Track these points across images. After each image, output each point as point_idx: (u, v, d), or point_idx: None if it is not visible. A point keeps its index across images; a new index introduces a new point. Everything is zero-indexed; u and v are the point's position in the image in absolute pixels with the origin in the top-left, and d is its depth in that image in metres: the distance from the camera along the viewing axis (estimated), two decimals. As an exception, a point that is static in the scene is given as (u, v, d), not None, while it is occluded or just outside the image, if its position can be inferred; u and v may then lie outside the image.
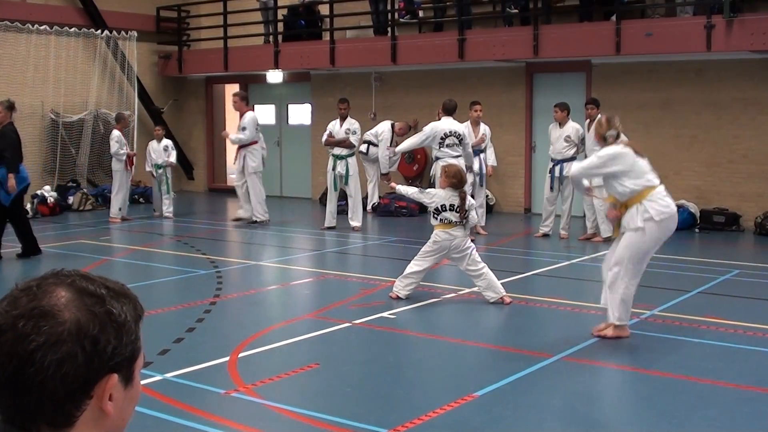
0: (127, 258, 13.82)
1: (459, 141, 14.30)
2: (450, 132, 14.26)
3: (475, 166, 15.33)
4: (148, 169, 18.86)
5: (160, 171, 18.42)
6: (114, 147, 17.91)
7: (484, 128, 15.85)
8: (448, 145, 14.23)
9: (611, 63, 17.66)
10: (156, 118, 23.19)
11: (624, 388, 7.04)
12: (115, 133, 18.22)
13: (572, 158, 14.91)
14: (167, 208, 18.44)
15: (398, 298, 10.03)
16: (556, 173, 15.20)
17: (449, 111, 14.51)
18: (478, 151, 15.60)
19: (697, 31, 15.61)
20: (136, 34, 22.45)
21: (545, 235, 15.37)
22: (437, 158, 14.35)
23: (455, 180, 9.94)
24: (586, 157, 14.91)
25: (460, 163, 13.77)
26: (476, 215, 10.36)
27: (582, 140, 14.94)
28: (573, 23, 17.82)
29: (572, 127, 15.04)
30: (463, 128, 14.58)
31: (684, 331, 8.69)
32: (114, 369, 1.61)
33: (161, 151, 18.44)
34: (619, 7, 16.90)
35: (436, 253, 9.99)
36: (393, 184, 11.01)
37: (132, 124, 20.15)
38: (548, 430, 6.14)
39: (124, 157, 17.86)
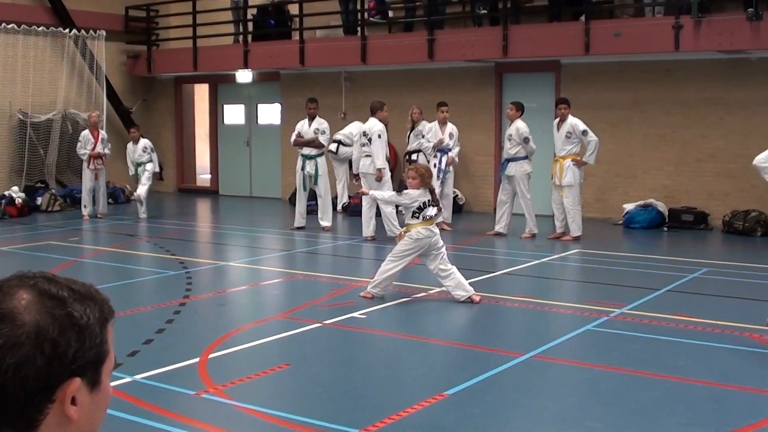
0: (95, 259, 13.73)
1: (368, 141, 15.07)
2: (362, 132, 15.27)
3: (443, 164, 16.08)
4: (131, 173, 18.83)
5: (140, 169, 18.40)
6: (78, 146, 18.12)
7: (451, 128, 16.19)
8: (362, 145, 15.16)
9: (580, 63, 17.73)
10: (125, 118, 23.06)
11: (593, 385, 7.06)
12: (83, 133, 18.27)
13: (516, 158, 15.11)
14: (142, 209, 18.37)
15: (373, 297, 10.02)
16: (502, 172, 15.49)
17: (371, 111, 15.35)
18: (444, 150, 16.17)
19: (665, 31, 15.71)
20: (104, 33, 22.32)
21: (498, 234, 15.41)
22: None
23: (429, 179, 10.08)
24: (528, 156, 15.17)
25: (369, 162, 14.92)
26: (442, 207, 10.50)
27: (525, 140, 15.00)
28: (542, 23, 17.89)
29: (514, 127, 15.16)
30: (377, 128, 15.06)
31: (653, 328, 8.74)
32: (76, 373, 1.58)
33: (140, 152, 18.39)
34: (588, 7, 16.97)
35: (415, 251, 9.98)
36: (364, 190, 11.02)
37: (101, 124, 20.02)
38: (519, 429, 6.15)
39: (86, 157, 17.91)
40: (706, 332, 8.59)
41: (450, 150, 16.22)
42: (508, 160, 15.25)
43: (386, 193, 11.13)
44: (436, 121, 16.28)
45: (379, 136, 14.82)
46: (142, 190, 18.30)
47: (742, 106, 16.22)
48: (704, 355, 7.88)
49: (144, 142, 18.59)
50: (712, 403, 6.54)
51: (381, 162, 14.81)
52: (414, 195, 9.99)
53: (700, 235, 15.70)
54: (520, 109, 15.17)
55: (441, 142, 16.07)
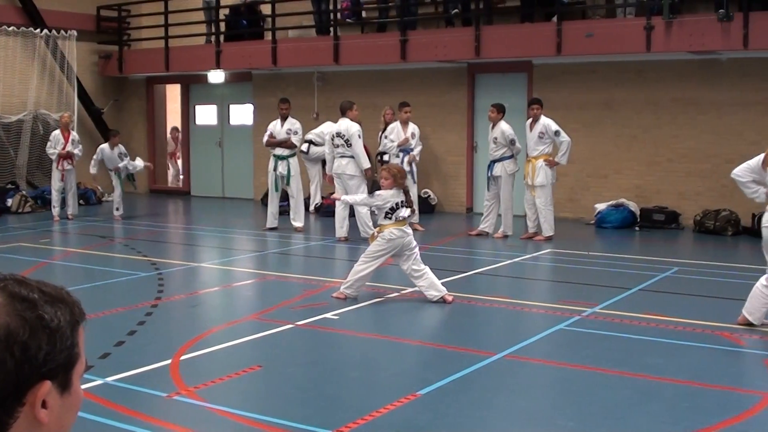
0: (67, 261, 13.64)
1: (344, 142, 14.84)
2: (336, 134, 14.98)
3: (404, 164, 15.90)
4: (92, 171, 18.60)
5: (120, 171, 18.29)
6: (48, 145, 17.99)
7: (413, 128, 16.24)
8: (337, 146, 14.92)
9: (552, 63, 17.79)
10: (96, 119, 22.92)
11: (566, 384, 7.08)
12: (54, 133, 18.12)
13: (502, 159, 15.08)
14: (119, 210, 18.26)
15: (346, 297, 10.00)
16: (488, 173, 15.38)
17: (341, 111, 15.15)
18: (407, 150, 16.24)
19: (637, 32, 15.80)
20: (75, 33, 22.19)
21: (481, 234, 15.42)
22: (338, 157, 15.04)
23: (402, 179, 10.06)
24: (513, 156, 15.14)
25: (350, 163, 14.72)
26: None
27: (511, 141, 15.00)
28: (514, 24, 17.94)
29: (499, 130, 15.13)
30: (354, 128, 14.93)
31: (625, 327, 8.78)
32: (47, 376, 1.56)
33: (115, 157, 18.20)
34: (560, 8, 17.04)
35: (388, 251, 9.96)
36: (336, 195, 11.01)
37: (72, 125, 19.87)
38: (491, 428, 6.16)
39: (55, 157, 17.76)
40: (678, 331, 8.64)
41: (412, 149, 16.29)
42: (494, 162, 15.28)
43: (358, 196, 11.11)
44: (398, 121, 16.39)
45: (359, 137, 14.82)
46: (139, 161, 18.86)
47: (714, 107, 16.34)
48: (676, 353, 7.92)
49: (120, 147, 18.46)
50: (684, 401, 6.57)
51: (367, 162, 14.82)
52: (386, 196, 9.99)
53: (671, 235, 15.80)
54: (501, 111, 15.14)
55: (406, 141, 16.13)
